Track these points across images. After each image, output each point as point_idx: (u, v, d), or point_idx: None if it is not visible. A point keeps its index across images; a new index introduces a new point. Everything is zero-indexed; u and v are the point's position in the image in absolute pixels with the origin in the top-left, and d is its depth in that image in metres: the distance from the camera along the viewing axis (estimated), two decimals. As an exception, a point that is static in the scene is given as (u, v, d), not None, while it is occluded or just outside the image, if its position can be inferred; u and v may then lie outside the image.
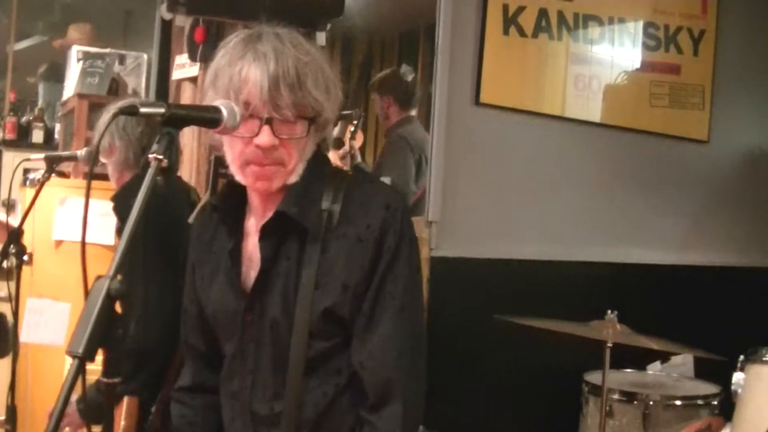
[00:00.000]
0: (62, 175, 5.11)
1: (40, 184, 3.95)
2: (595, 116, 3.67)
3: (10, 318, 4.04)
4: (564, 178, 3.59)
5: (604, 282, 3.48)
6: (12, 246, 3.53)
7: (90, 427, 3.24)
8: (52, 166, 3.69)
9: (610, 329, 2.85)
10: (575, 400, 3.30)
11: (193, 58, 4.29)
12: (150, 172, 1.57)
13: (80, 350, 1.39)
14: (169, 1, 3.07)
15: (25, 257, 3.68)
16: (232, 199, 1.98)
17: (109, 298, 1.47)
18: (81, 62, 5.60)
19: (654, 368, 3.48)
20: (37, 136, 5.97)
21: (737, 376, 2.60)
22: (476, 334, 3.26)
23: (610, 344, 2.89)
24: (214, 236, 2.04)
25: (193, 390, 2.16)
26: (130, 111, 1.59)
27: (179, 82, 4.67)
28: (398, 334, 1.89)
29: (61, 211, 4.72)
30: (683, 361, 3.49)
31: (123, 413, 3.10)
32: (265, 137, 1.78)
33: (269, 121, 1.78)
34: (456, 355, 3.18)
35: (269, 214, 1.90)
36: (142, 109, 1.59)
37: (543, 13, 3.53)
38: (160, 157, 1.56)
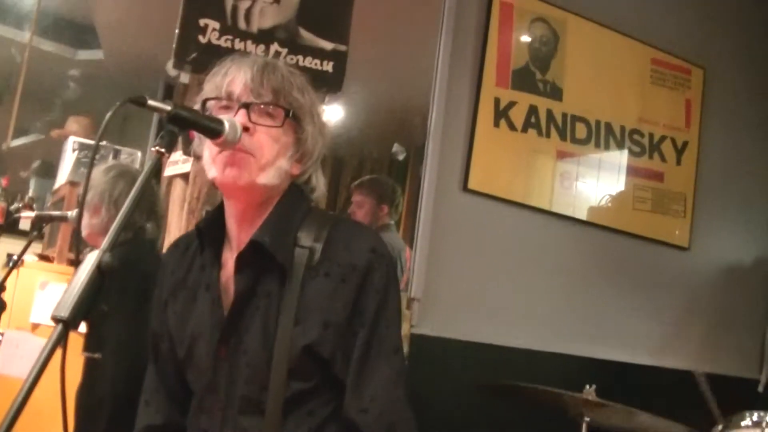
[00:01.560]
0: (46, 259, 5.11)
1: (28, 242, 3.97)
2: (580, 213, 3.76)
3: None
4: (546, 271, 3.64)
5: (581, 376, 3.46)
6: (-9, 300, 3.54)
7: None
8: (41, 225, 3.72)
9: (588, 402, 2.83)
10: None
11: (186, 152, 4.37)
12: (150, 163, 1.62)
13: (65, 314, 1.40)
14: (176, 59, 3.15)
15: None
16: (216, 226, 1.96)
17: (99, 271, 1.49)
18: (76, 152, 5.67)
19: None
20: (25, 224, 5.96)
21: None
22: (454, 412, 3.24)
23: (587, 419, 2.86)
24: (189, 270, 2.00)
25: (164, 431, 2.05)
26: (138, 101, 1.63)
27: (171, 178, 4.74)
28: (398, 376, 1.86)
29: (41, 294, 4.68)
30: None
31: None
32: (240, 117, 1.79)
33: (247, 106, 1.81)
34: (433, 433, 3.15)
35: (244, 244, 1.88)
36: (150, 102, 1.64)
37: (533, 110, 3.65)
38: (162, 150, 1.61)
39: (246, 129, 1.79)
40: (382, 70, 3.71)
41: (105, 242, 1.51)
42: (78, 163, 5.52)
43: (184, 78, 3.20)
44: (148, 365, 2.11)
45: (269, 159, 1.83)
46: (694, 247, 3.96)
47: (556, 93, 3.72)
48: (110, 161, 4.28)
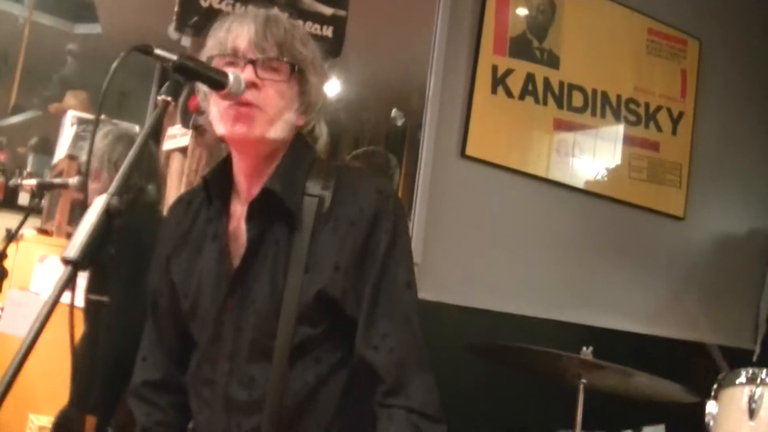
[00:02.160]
0: (45, 233, 5.14)
1: (30, 209, 4.01)
2: (577, 182, 3.79)
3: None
4: (543, 238, 3.67)
5: (576, 342, 3.50)
6: (-7, 266, 3.58)
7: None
8: (42, 192, 3.75)
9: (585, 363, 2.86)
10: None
11: (186, 125, 4.39)
12: (156, 111, 1.65)
13: (74, 255, 1.43)
14: (177, 23, 3.18)
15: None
16: (222, 178, 1.98)
17: (107, 214, 1.52)
18: (74, 126, 5.69)
19: (626, 435, 3.50)
20: (24, 198, 6.00)
21: (710, 405, 2.62)
22: (449, 375, 3.26)
23: (584, 380, 2.90)
24: (192, 226, 2.03)
25: (161, 386, 2.09)
26: (145, 49, 1.66)
27: (169, 152, 4.76)
28: (410, 309, 1.88)
29: (40, 267, 4.71)
30: (654, 431, 3.50)
31: (81, 433, 3.09)
32: (248, 73, 1.82)
33: (252, 62, 1.84)
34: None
35: (254, 194, 1.91)
36: (156, 51, 1.67)
37: (530, 78, 3.68)
38: (168, 98, 1.63)
39: (253, 84, 1.82)
40: (381, 36, 3.73)
41: (112, 186, 1.54)
42: (77, 137, 5.55)
43: (185, 42, 3.22)
44: (146, 323, 2.14)
45: (277, 112, 1.87)
46: (689, 217, 4.00)
47: (553, 61, 3.74)
48: (107, 132, 4.30)
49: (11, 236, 3.77)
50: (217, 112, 1.87)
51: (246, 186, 1.94)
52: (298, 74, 1.89)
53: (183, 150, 4.48)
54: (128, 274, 2.82)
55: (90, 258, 1.46)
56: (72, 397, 3.16)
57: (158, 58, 1.67)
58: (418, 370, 1.83)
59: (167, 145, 4.82)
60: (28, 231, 4.85)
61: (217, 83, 1.76)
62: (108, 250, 1.61)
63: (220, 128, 1.86)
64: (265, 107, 1.85)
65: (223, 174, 1.97)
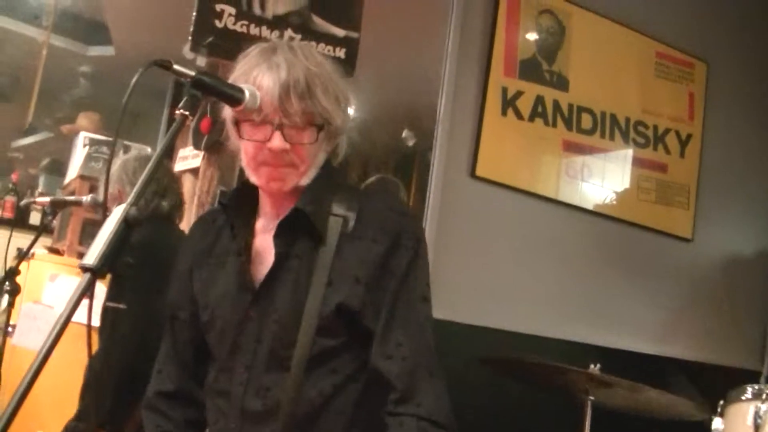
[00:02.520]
0: (56, 252, 5.19)
1: (44, 227, 4.05)
2: (586, 203, 3.83)
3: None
4: (552, 258, 3.71)
5: (585, 361, 3.52)
6: (7, 283, 3.63)
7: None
8: (56, 210, 3.80)
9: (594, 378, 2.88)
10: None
11: (197, 147, 4.45)
12: (174, 125, 1.70)
13: (93, 263, 1.48)
14: (193, 43, 3.24)
15: (9, 328, 3.76)
16: (242, 200, 2.07)
17: (126, 224, 1.56)
18: (87, 147, 5.75)
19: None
20: (35, 218, 6.06)
21: (716, 422, 2.64)
22: (459, 390, 3.29)
23: (591, 397, 2.92)
24: (216, 241, 2.11)
25: (175, 398, 2.14)
26: (164, 64, 1.71)
27: (180, 173, 4.82)
28: (425, 322, 1.95)
29: (51, 285, 4.74)
30: None
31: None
32: (276, 142, 1.89)
33: (280, 127, 1.89)
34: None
35: (282, 214, 1.98)
36: (175, 66, 1.73)
37: (539, 100, 3.73)
38: (186, 113, 1.69)
39: (285, 150, 1.90)
40: (393, 57, 3.79)
41: (130, 197, 1.60)
42: (89, 157, 5.61)
43: (201, 61, 3.28)
44: (164, 336, 2.19)
45: (309, 164, 1.96)
46: (697, 238, 4.03)
47: (562, 84, 3.80)
48: (123, 156, 4.37)
49: (23, 254, 3.82)
50: (247, 159, 1.96)
51: (273, 207, 2.03)
52: (326, 125, 1.96)
53: (194, 171, 4.54)
54: (144, 284, 2.87)
55: (108, 266, 1.51)
56: (81, 410, 3.19)
57: (176, 73, 1.72)
58: (429, 377, 1.89)
59: (179, 166, 4.88)
60: (39, 250, 4.89)
61: (234, 99, 1.82)
62: (126, 259, 1.66)
63: (253, 178, 1.98)
64: (297, 164, 1.94)
65: (244, 197, 2.06)
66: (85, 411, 3.17)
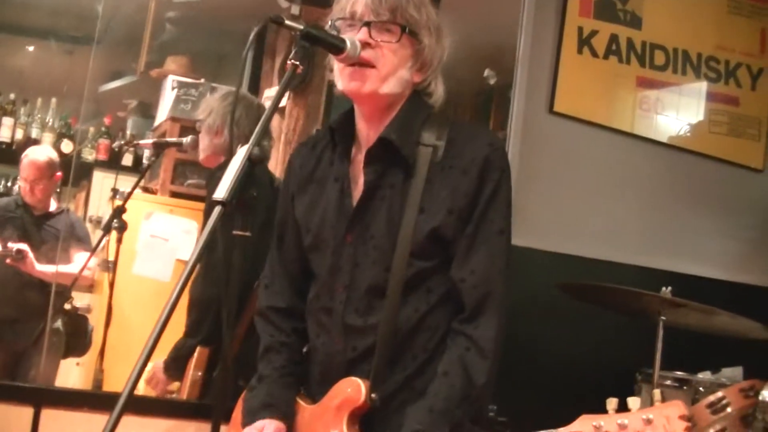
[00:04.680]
0: (150, 191, 5.45)
1: (147, 166, 4.34)
2: (660, 136, 4.00)
3: (91, 321, 4.40)
4: (628, 189, 3.89)
5: (658, 286, 3.64)
6: (115, 221, 3.93)
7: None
8: (159, 151, 4.08)
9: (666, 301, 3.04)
10: (627, 391, 3.51)
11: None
12: (287, 75, 1.93)
13: (222, 196, 1.73)
14: (287, -11, 3.45)
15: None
16: (345, 126, 2.24)
17: (249, 161, 1.81)
18: (176, 90, 5.97)
19: (704, 375, 3.65)
20: (127, 159, 6.29)
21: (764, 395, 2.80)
22: (537, 312, 3.50)
23: (663, 318, 3.09)
24: (316, 167, 2.28)
25: (286, 312, 2.33)
26: (277, 20, 1.94)
27: (267, 112, 5.04)
28: (497, 254, 2.10)
29: (147, 224, 4.99)
30: (733, 373, 3.63)
31: (194, 363, 3.38)
32: (362, 34, 2.08)
33: (368, 24, 2.08)
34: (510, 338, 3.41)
35: (372, 142, 2.15)
36: (287, 21, 1.95)
37: (614, 38, 3.89)
38: (297, 62, 1.92)
39: (368, 44, 2.08)
40: (474, 2, 3.95)
41: (253, 138, 1.84)
42: (178, 100, 5.82)
43: (295, 9, 3.49)
44: (270, 253, 2.40)
45: (389, 70, 2.11)
46: (769, 169, 4.15)
47: (636, 22, 3.94)
48: (224, 89, 4.56)
49: (128, 193, 4.12)
50: (337, 70, 2.15)
51: (366, 134, 2.20)
52: (411, 35, 2.12)
53: (281, 110, 4.76)
54: (263, 214, 3.11)
55: (234, 197, 1.75)
56: (189, 327, 3.43)
57: (288, 27, 1.95)
58: (493, 307, 2.08)
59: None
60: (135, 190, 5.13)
61: (337, 48, 2.04)
62: (251, 192, 1.91)
63: (339, 84, 2.15)
64: (378, 65, 2.10)
65: (347, 122, 2.24)
66: (193, 327, 3.42)
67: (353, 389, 2.07)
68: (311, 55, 1.97)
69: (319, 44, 2.01)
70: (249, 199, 1.98)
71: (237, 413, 2.32)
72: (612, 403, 1.57)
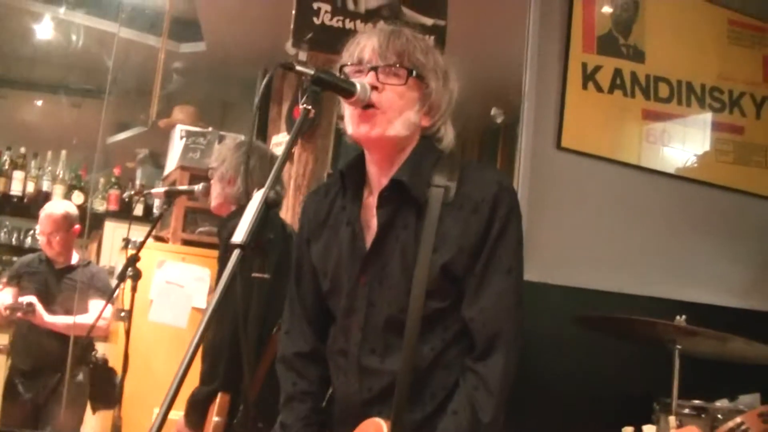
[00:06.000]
0: (161, 240, 5.51)
1: (160, 215, 4.39)
2: (667, 167, 4.05)
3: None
4: (637, 220, 3.92)
5: (670, 315, 3.66)
6: (130, 269, 3.98)
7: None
8: (171, 200, 4.14)
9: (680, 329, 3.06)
10: (646, 421, 3.52)
11: (290, 132, 4.73)
12: (299, 119, 1.98)
13: (241, 239, 1.76)
14: (294, 40, 3.53)
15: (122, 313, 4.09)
16: (355, 171, 2.27)
17: (266, 205, 1.85)
18: (184, 139, 6.05)
19: (722, 403, 3.65)
20: (138, 209, 6.36)
21: None
22: (552, 346, 3.52)
23: (678, 346, 3.11)
24: (329, 213, 2.30)
25: (308, 357, 2.33)
26: (287, 66, 1.99)
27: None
28: (507, 292, 2.12)
29: (159, 273, 5.04)
30: (751, 399, 3.64)
31: (215, 410, 3.35)
32: (369, 78, 2.12)
33: (375, 68, 2.12)
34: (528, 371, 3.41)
35: (384, 185, 2.18)
36: (297, 67, 2.00)
37: (618, 73, 3.95)
38: (309, 107, 1.96)
39: (375, 88, 2.11)
40: (478, 41, 4.02)
41: (268, 182, 1.88)
42: (186, 149, 5.89)
43: (302, 56, 3.56)
44: (289, 299, 2.41)
45: (396, 113, 2.14)
46: (776, 196, 4.18)
47: (638, 56, 4.00)
48: (234, 137, 4.62)
49: (142, 242, 4.16)
50: (347, 116, 2.19)
51: (377, 178, 2.23)
52: (418, 79, 2.16)
53: (290, 157, 4.81)
54: (281, 257, 3.15)
55: (253, 240, 1.78)
56: (205, 374, 3.43)
57: (298, 72, 2.00)
58: (502, 345, 2.09)
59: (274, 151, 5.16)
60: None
61: (347, 91, 2.08)
62: (268, 236, 1.95)
63: (349, 129, 2.18)
64: (385, 108, 2.12)
65: (358, 167, 2.27)
66: (208, 374, 3.43)
67: (375, 431, 2.09)
68: (321, 100, 2.01)
69: (330, 88, 2.05)
70: (266, 243, 2.02)
71: None
72: (628, 430, 1.59)
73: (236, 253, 1.75)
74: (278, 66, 1.99)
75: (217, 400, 3.34)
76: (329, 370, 2.30)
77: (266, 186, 1.88)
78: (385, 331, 2.16)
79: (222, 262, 3.68)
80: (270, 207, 1.89)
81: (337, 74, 2.16)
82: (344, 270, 2.22)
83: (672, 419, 1.83)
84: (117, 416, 3.94)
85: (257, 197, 1.87)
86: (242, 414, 2.92)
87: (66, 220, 4.96)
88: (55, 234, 4.89)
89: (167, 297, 4.30)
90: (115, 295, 4.28)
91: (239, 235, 1.78)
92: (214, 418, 3.33)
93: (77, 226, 5.04)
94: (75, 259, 5.03)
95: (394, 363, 2.12)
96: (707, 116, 4.13)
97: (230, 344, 3.26)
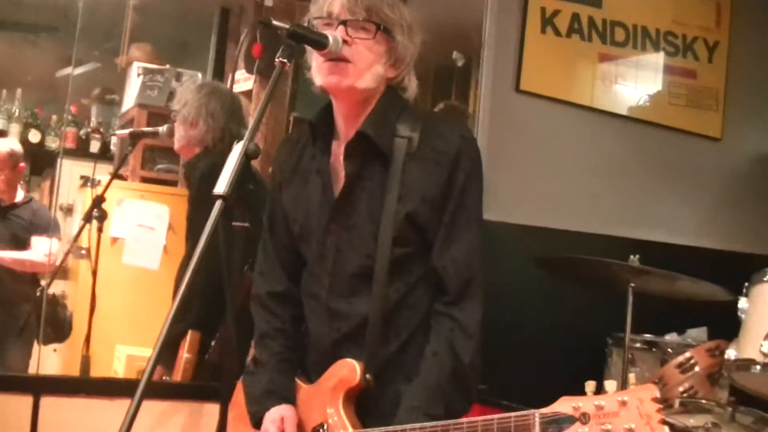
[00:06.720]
0: (120, 178, 5.50)
1: (124, 156, 4.41)
2: (620, 109, 4.15)
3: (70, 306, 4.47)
4: (591, 161, 4.04)
5: (624, 253, 3.55)
6: (95, 210, 4.00)
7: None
8: (136, 140, 4.16)
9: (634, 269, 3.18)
10: (600, 354, 3.68)
11: (249, 70, 4.72)
12: (275, 73, 2.03)
13: (223, 191, 1.83)
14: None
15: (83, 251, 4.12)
16: (324, 122, 2.34)
17: (246, 156, 1.91)
18: (141, 77, 6.01)
19: (671, 337, 3.80)
20: (95, 146, 6.31)
21: (742, 302, 2.94)
22: (511, 286, 3.62)
23: (632, 285, 3.23)
24: (300, 159, 2.38)
25: (282, 297, 2.41)
26: (265, 22, 2.05)
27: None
28: (475, 241, 2.23)
29: (118, 211, 5.02)
30: (698, 333, 3.79)
31: (186, 347, 3.47)
32: (339, 32, 2.18)
33: (344, 23, 2.18)
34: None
35: (351, 136, 2.25)
36: (274, 22, 2.06)
37: (576, 17, 4.03)
38: (285, 60, 2.01)
39: (345, 41, 2.17)
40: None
41: (247, 134, 1.95)
42: (144, 86, 5.87)
43: (268, 2, 3.57)
44: (262, 242, 2.49)
45: (365, 65, 2.21)
46: (726, 138, 4.30)
47: (596, 1, 4.08)
48: (200, 80, 4.62)
49: (109, 181, 4.17)
50: (315, 66, 2.25)
51: (344, 129, 2.30)
52: (385, 33, 2.23)
53: (246, 93, 4.82)
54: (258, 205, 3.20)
55: (234, 192, 1.86)
56: (175, 315, 3.52)
57: (275, 27, 2.06)
58: (475, 292, 2.21)
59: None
60: (103, 177, 5.18)
61: (320, 44, 2.14)
62: (248, 186, 2.02)
63: (318, 79, 2.25)
64: (355, 61, 2.19)
65: (326, 118, 2.34)
66: (179, 314, 3.50)
67: (348, 370, 2.19)
68: (296, 53, 2.07)
69: (304, 41, 2.11)
70: (246, 193, 2.08)
71: (237, 395, 2.41)
72: (590, 385, 1.71)
73: (219, 203, 1.82)
74: (259, 21, 2.04)
75: (188, 338, 3.41)
76: (302, 311, 2.39)
77: (245, 138, 1.94)
78: (352, 276, 2.25)
79: (194, 204, 3.73)
80: (250, 158, 1.95)
81: (306, 26, 2.20)
82: (314, 217, 2.30)
83: (632, 376, 1.96)
84: (85, 355, 4.00)
85: (237, 149, 1.93)
86: (227, 353, 2.98)
87: (11, 158, 4.92)
88: (0, 173, 4.86)
89: (139, 240, 4.33)
90: (78, 233, 4.31)
91: (221, 186, 1.85)
92: (184, 354, 3.41)
93: (22, 164, 5.00)
94: (20, 196, 5.01)
95: (361, 306, 2.22)
96: (662, 60, 4.22)
97: (204, 287, 3.32)
